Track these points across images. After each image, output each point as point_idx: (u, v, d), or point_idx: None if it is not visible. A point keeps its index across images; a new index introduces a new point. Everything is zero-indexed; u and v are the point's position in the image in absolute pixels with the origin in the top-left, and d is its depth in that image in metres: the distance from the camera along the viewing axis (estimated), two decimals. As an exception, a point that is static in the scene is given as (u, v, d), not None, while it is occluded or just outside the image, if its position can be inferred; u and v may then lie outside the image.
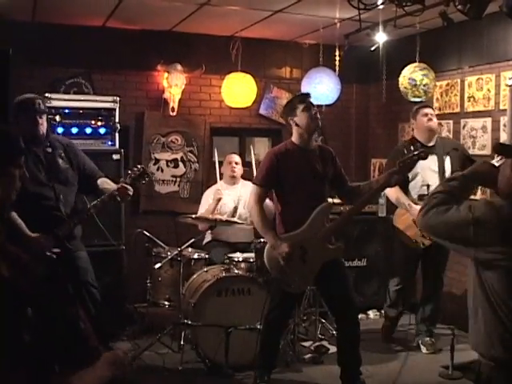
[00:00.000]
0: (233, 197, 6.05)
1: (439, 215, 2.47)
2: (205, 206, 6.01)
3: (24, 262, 1.48)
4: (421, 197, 5.29)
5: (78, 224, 4.34)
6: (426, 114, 5.39)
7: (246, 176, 6.14)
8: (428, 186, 5.25)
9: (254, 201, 4.38)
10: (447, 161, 5.37)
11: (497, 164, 2.61)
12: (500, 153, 2.68)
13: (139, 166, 4.41)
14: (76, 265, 4.32)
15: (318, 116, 4.42)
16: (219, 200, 5.82)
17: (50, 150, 4.33)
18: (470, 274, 2.54)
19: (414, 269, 5.60)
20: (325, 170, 4.45)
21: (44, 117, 4.34)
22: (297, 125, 4.38)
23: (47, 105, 5.56)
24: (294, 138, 4.45)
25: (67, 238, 4.18)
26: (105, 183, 4.49)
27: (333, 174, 4.51)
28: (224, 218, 5.74)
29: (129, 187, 4.29)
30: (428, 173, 5.29)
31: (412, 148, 4.34)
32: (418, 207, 5.24)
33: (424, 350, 5.45)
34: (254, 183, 4.47)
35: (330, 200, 4.67)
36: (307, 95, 4.54)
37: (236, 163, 6.15)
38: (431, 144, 5.37)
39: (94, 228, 4.55)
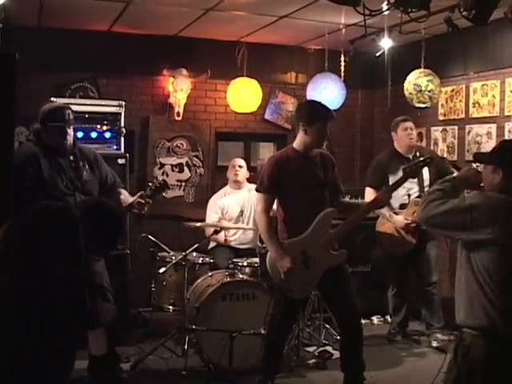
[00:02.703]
0: (238, 201, 6.05)
1: (438, 207, 2.92)
2: (212, 215, 6.02)
3: None
4: (402, 206, 5.60)
5: None
6: (406, 129, 5.60)
7: (252, 181, 6.14)
8: (409, 195, 5.52)
9: (261, 209, 4.33)
10: (425, 169, 5.46)
11: (479, 169, 3.09)
12: (478, 161, 3.12)
13: (160, 179, 4.46)
14: (91, 269, 4.33)
15: (328, 132, 4.38)
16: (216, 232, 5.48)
17: (74, 160, 4.37)
18: (460, 257, 2.94)
19: (403, 272, 5.79)
20: (326, 176, 4.42)
21: (72, 127, 4.39)
22: (306, 134, 4.31)
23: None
24: (297, 144, 4.40)
25: None
26: (123, 194, 4.61)
27: (330, 182, 4.50)
28: (230, 224, 5.76)
29: (148, 200, 4.35)
30: (408, 182, 5.36)
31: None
32: (400, 217, 5.44)
33: (434, 343, 5.56)
34: (258, 191, 4.42)
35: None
36: (332, 116, 4.35)
37: (240, 166, 6.15)
38: (411, 155, 5.58)
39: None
